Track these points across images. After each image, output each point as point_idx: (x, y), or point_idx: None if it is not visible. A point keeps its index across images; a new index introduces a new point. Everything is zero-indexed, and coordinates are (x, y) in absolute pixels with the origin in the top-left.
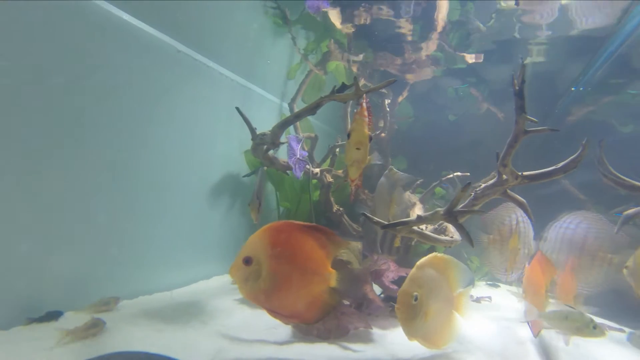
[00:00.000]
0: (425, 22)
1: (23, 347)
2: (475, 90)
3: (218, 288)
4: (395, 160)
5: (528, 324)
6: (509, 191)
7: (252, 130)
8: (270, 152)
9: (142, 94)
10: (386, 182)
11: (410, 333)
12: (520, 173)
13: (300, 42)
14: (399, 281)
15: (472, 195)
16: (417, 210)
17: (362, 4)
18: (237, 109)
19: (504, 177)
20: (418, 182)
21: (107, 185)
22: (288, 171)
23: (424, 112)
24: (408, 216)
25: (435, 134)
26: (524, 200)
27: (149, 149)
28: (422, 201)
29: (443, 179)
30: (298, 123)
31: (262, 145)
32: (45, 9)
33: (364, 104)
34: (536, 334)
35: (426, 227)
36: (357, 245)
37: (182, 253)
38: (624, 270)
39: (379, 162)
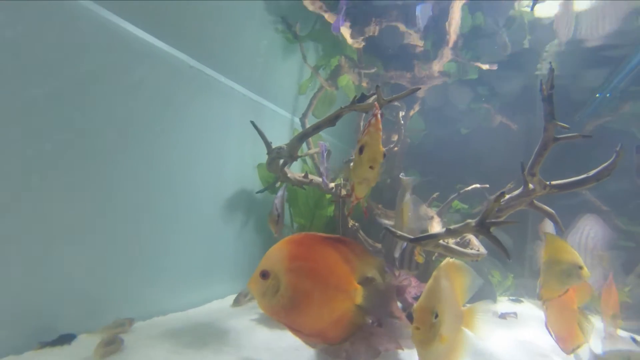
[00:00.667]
0: (437, 36)
1: None
2: (487, 104)
3: (233, 307)
4: (408, 174)
5: (556, 341)
6: (535, 201)
7: (268, 144)
8: (287, 167)
9: (153, 109)
10: (402, 194)
11: (427, 359)
12: (548, 182)
13: (311, 57)
14: None
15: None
16: (436, 224)
17: (373, 18)
18: (252, 122)
19: (531, 186)
20: (434, 196)
21: (121, 204)
22: (304, 186)
23: (436, 125)
24: (425, 229)
25: (447, 147)
26: (553, 211)
27: (161, 165)
28: (439, 214)
29: (461, 191)
30: (310, 139)
31: (278, 160)
32: (60, 29)
33: (379, 115)
34: (569, 351)
35: (448, 241)
36: (381, 261)
37: (195, 272)
38: None
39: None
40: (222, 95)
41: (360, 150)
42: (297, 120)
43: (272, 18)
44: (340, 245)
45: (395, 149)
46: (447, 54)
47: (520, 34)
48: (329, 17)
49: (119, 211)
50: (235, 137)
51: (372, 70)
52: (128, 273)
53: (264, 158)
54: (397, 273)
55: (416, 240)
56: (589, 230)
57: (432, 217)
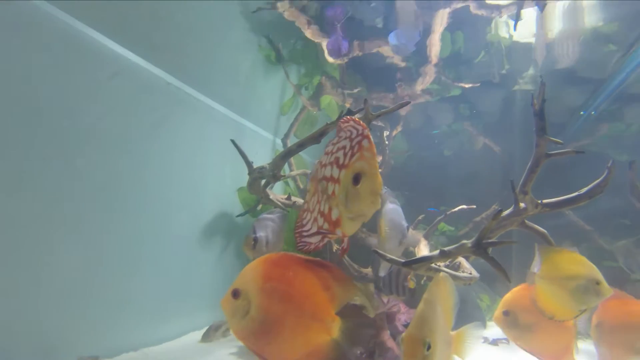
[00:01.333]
0: (420, 56)
1: None
2: (469, 125)
3: (202, 343)
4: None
5: None
6: (527, 221)
7: (249, 164)
8: (268, 188)
9: (127, 126)
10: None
11: None
12: (539, 201)
13: (293, 77)
14: None
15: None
16: (423, 247)
17: (356, 40)
18: (232, 141)
19: (522, 205)
20: (419, 218)
21: (87, 227)
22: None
23: (418, 147)
24: (413, 253)
25: (431, 169)
26: (545, 231)
27: (134, 186)
28: (426, 237)
29: (447, 212)
30: (292, 159)
31: (260, 180)
32: (30, 46)
33: (369, 135)
34: None
35: (439, 264)
36: (370, 287)
37: (171, 301)
38: None
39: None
40: (202, 114)
41: (356, 180)
42: (279, 141)
43: (254, 36)
44: (320, 270)
45: (380, 170)
46: (430, 72)
47: (499, 57)
48: (311, 33)
49: (83, 235)
50: (214, 158)
51: (356, 90)
52: (92, 304)
53: (244, 180)
54: (385, 299)
55: (408, 264)
56: None
57: (419, 240)
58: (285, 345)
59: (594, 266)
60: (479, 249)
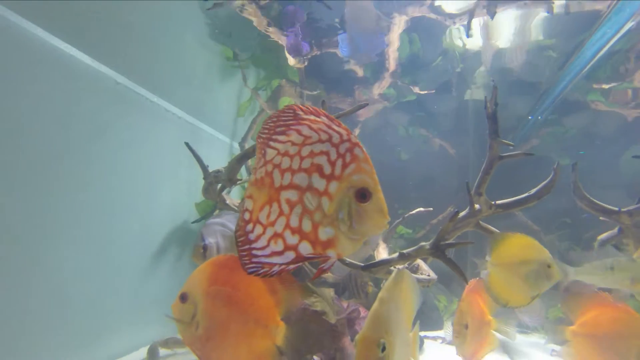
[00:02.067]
0: (377, 62)
1: None
2: (425, 130)
3: (165, 356)
4: None
5: None
6: (481, 222)
7: (204, 168)
8: (225, 192)
9: (67, 128)
10: None
11: None
12: (493, 202)
13: (251, 79)
14: None
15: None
16: (382, 250)
17: (314, 41)
18: (187, 144)
19: (477, 207)
20: None
21: (24, 236)
22: None
23: (376, 151)
24: (373, 257)
25: (388, 172)
26: (498, 232)
27: (78, 191)
28: (385, 240)
29: (405, 215)
30: (250, 161)
31: (216, 184)
32: None
33: (359, 143)
34: None
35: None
36: (330, 292)
37: (121, 314)
38: None
39: None
40: (154, 116)
41: (361, 197)
42: (236, 145)
43: (210, 36)
44: None
45: None
46: (387, 78)
47: (454, 63)
48: (273, 32)
49: (22, 244)
50: (168, 162)
51: (315, 92)
52: (27, 322)
53: (200, 184)
54: (345, 304)
55: (367, 267)
56: None
57: (377, 244)
58: (229, 352)
59: (544, 249)
60: (437, 250)
